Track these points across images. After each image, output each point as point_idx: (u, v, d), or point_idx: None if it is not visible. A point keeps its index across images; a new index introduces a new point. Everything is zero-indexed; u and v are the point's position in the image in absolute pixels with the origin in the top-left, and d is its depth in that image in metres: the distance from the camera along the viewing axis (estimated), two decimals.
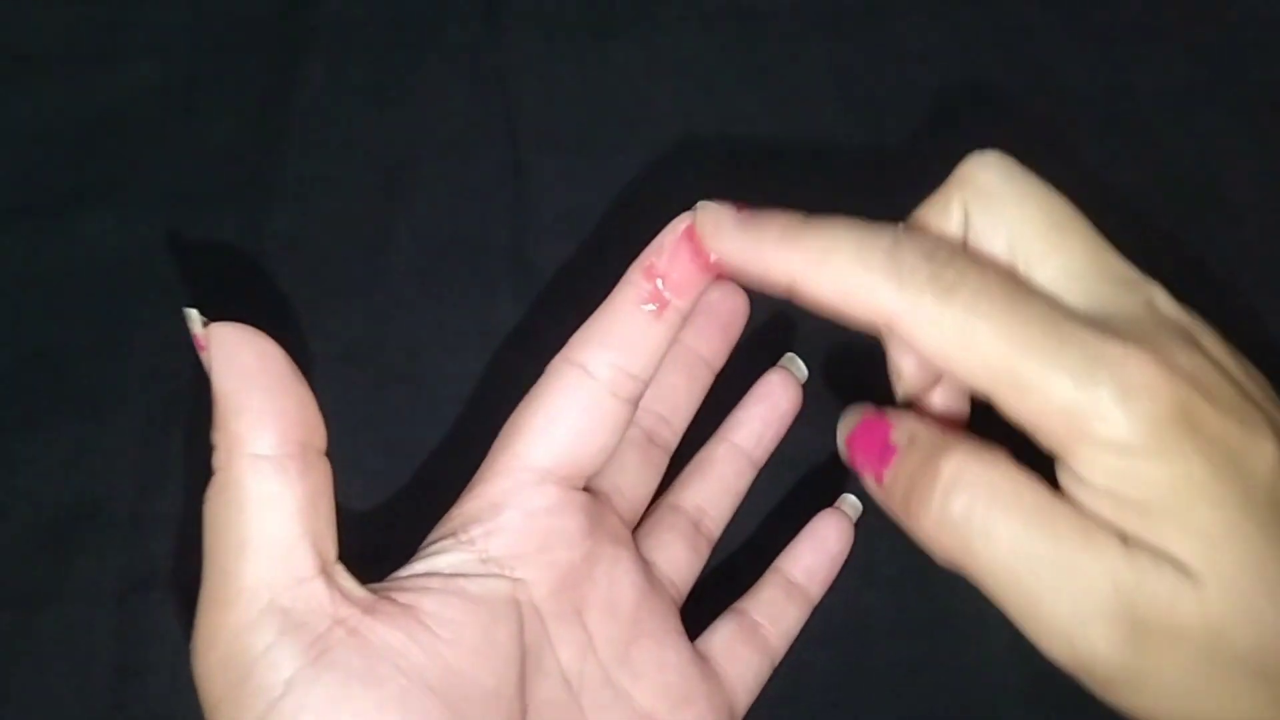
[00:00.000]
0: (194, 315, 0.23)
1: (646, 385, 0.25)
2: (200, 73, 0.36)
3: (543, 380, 0.25)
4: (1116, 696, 0.21)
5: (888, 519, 0.32)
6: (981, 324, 0.21)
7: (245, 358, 0.22)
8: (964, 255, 0.22)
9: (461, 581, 0.24)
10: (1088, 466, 0.20)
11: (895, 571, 0.32)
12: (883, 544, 0.32)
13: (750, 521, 0.32)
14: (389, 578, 0.24)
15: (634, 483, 0.28)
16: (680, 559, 0.28)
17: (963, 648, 0.31)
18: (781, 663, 0.31)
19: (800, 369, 0.30)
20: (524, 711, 0.23)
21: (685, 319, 0.25)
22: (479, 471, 0.25)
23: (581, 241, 0.35)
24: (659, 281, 0.24)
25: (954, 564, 0.22)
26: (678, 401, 0.28)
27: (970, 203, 0.24)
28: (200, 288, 0.33)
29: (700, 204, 0.24)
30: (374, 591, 0.23)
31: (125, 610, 0.30)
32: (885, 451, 0.24)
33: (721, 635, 0.28)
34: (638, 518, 0.28)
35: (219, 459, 0.22)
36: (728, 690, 0.27)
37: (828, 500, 0.31)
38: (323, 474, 0.23)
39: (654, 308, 0.24)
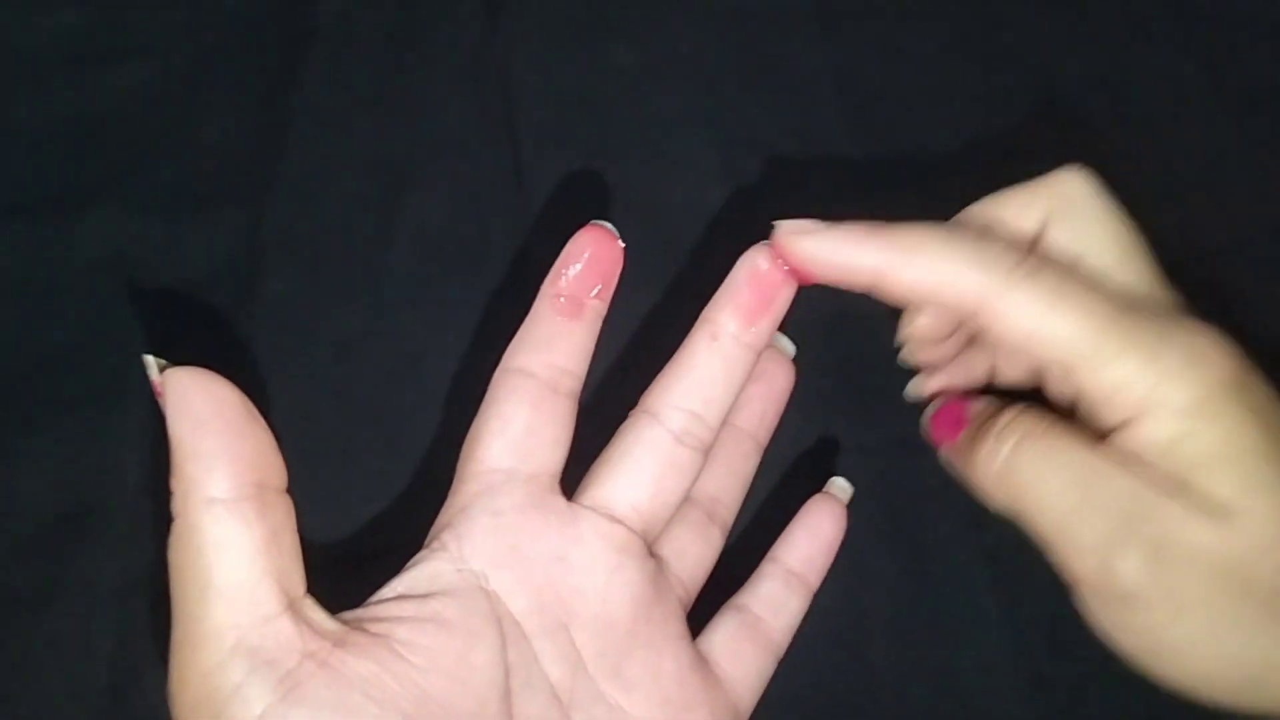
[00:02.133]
0: (151, 362, 0.23)
1: (582, 379, 0.27)
2: (200, 73, 0.36)
3: (490, 391, 0.26)
4: (1134, 622, 0.23)
5: (889, 520, 0.32)
6: (1062, 305, 0.23)
7: (198, 402, 0.22)
8: (1043, 249, 0.25)
9: (436, 605, 0.24)
10: (1151, 430, 0.23)
11: (895, 571, 0.32)
12: (883, 544, 0.32)
13: (742, 510, 0.31)
14: (366, 602, 0.24)
15: (655, 494, 0.26)
16: (691, 553, 0.28)
17: (963, 648, 0.31)
18: (782, 663, 0.31)
19: (788, 345, 0.30)
20: None
21: (602, 317, 0.27)
22: (451, 487, 0.26)
23: None
24: (563, 281, 0.26)
25: (1007, 500, 0.25)
26: (714, 395, 0.27)
27: (1054, 210, 0.26)
28: (200, 288, 0.33)
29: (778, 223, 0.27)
30: (345, 622, 0.23)
31: (125, 610, 0.30)
32: (959, 422, 0.28)
33: (723, 634, 0.28)
34: (659, 527, 0.27)
35: (176, 505, 0.22)
36: (730, 692, 0.27)
37: (816, 485, 0.31)
38: (283, 512, 0.23)
39: (565, 307, 0.26)
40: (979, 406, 0.27)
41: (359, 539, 0.31)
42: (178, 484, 0.22)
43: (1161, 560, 0.22)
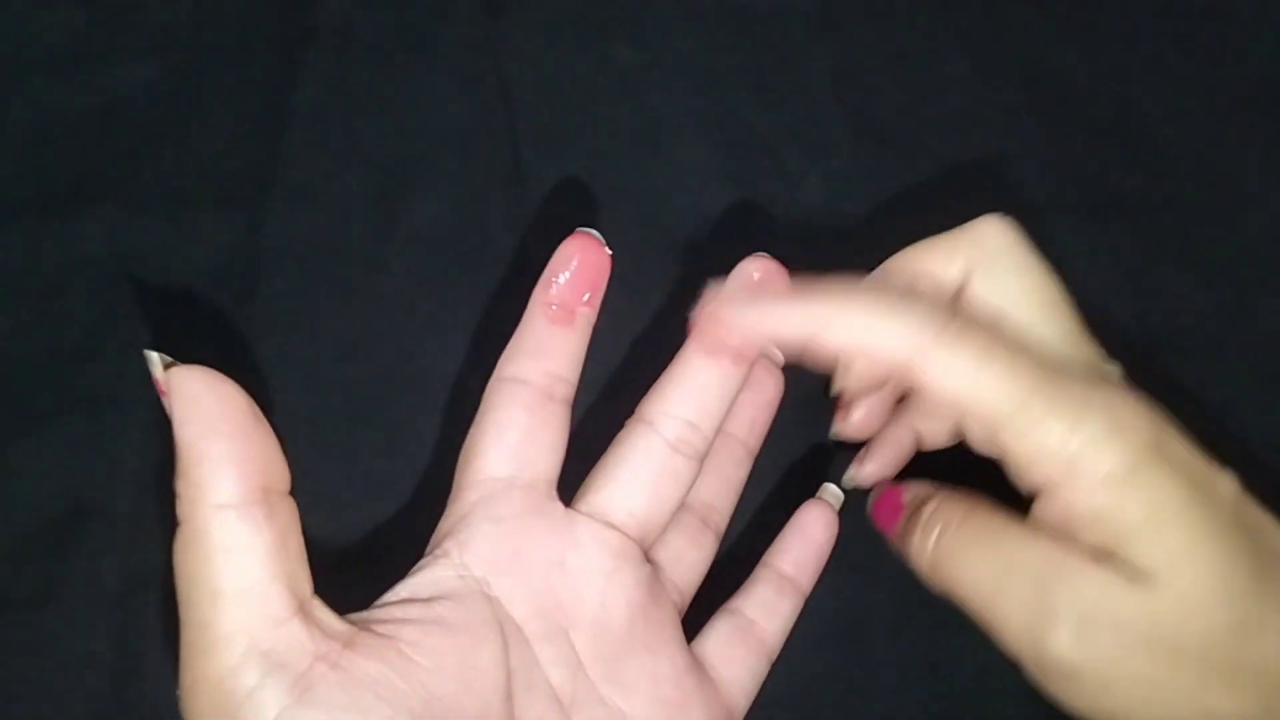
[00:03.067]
0: (154, 358, 0.23)
1: (575, 385, 0.27)
2: (200, 73, 0.36)
3: (485, 400, 0.27)
4: (1076, 693, 0.24)
5: None
6: (989, 369, 0.23)
7: (206, 405, 0.22)
8: (959, 313, 0.24)
9: (440, 609, 0.24)
10: (1074, 497, 0.23)
11: (895, 571, 0.32)
12: (882, 544, 0.32)
13: (738, 515, 0.32)
14: (373, 605, 0.24)
15: (646, 502, 0.27)
16: (686, 558, 0.28)
17: (963, 648, 0.31)
18: (782, 663, 0.30)
19: (777, 353, 0.30)
20: None
21: (593, 323, 0.27)
22: (450, 496, 0.26)
23: None
24: (553, 289, 0.27)
25: (941, 587, 0.26)
26: (707, 404, 0.27)
27: (976, 261, 0.26)
28: (200, 288, 0.33)
29: (709, 291, 0.27)
30: (353, 623, 0.23)
31: (125, 610, 0.30)
32: (896, 510, 0.28)
33: (717, 638, 0.28)
34: (655, 534, 0.27)
35: (183, 509, 0.22)
36: (725, 694, 0.27)
37: (809, 491, 0.31)
38: (288, 515, 0.23)
39: (556, 315, 0.27)
40: (911, 493, 0.28)
41: (359, 539, 0.31)
42: (185, 488, 0.22)
43: (1090, 633, 0.23)
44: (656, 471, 0.27)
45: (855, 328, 0.24)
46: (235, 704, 0.21)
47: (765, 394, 0.30)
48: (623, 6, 0.38)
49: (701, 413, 0.27)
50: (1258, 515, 0.24)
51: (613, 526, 0.26)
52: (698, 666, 0.27)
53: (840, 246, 0.36)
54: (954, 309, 0.25)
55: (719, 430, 0.28)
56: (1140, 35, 0.39)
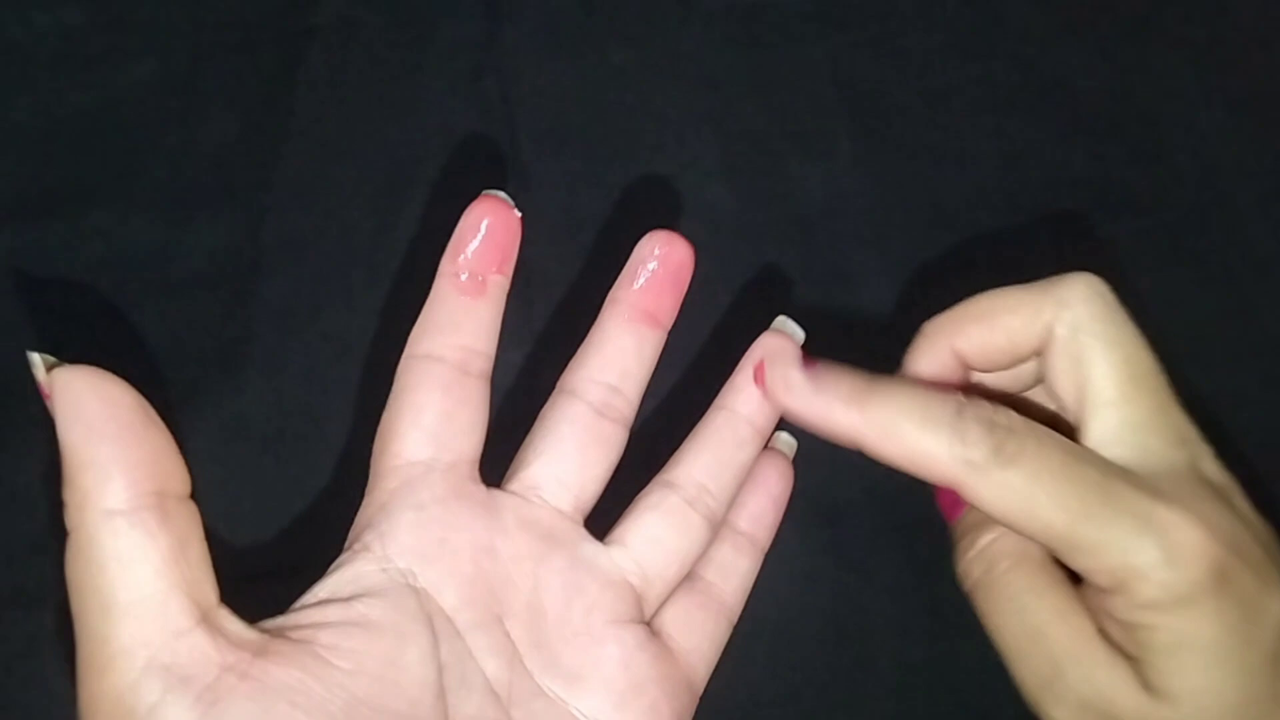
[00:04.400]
0: (36, 360, 0.22)
1: (492, 359, 0.26)
2: (200, 73, 0.36)
3: (398, 380, 0.25)
4: None
5: (889, 521, 0.32)
6: (1041, 493, 0.23)
7: (90, 407, 0.21)
8: (1023, 424, 0.24)
9: (361, 607, 0.23)
10: (1120, 609, 0.23)
11: (895, 571, 0.32)
12: (882, 544, 0.32)
13: None
14: (289, 609, 0.23)
15: (577, 468, 0.26)
16: (664, 542, 0.26)
17: (963, 648, 0.31)
18: (782, 663, 0.31)
19: (795, 329, 0.29)
20: None
21: (506, 291, 0.26)
22: (367, 486, 0.25)
23: (581, 241, 0.35)
24: (462, 258, 0.25)
25: (977, 610, 0.26)
26: (627, 366, 0.27)
27: (1061, 324, 0.25)
28: (200, 288, 0.33)
29: (766, 344, 0.27)
30: (266, 631, 0.22)
31: None
32: (959, 502, 0.28)
33: (674, 605, 0.27)
34: (589, 503, 0.26)
35: (71, 518, 0.21)
36: (684, 665, 0.26)
37: (808, 493, 0.31)
38: (188, 520, 0.22)
39: (466, 285, 0.25)
40: None
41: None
42: (71, 495, 0.21)
43: (1087, 718, 0.24)
44: (584, 437, 0.26)
45: (904, 441, 0.24)
46: None
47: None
48: (623, 6, 0.38)
49: (622, 376, 0.26)
50: None
51: (545, 501, 0.25)
52: (652, 641, 0.26)
53: (840, 247, 0.36)
54: (1009, 412, 0.24)
55: (642, 396, 0.27)
56: (1140, 35, 0.39)
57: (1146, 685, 0.23)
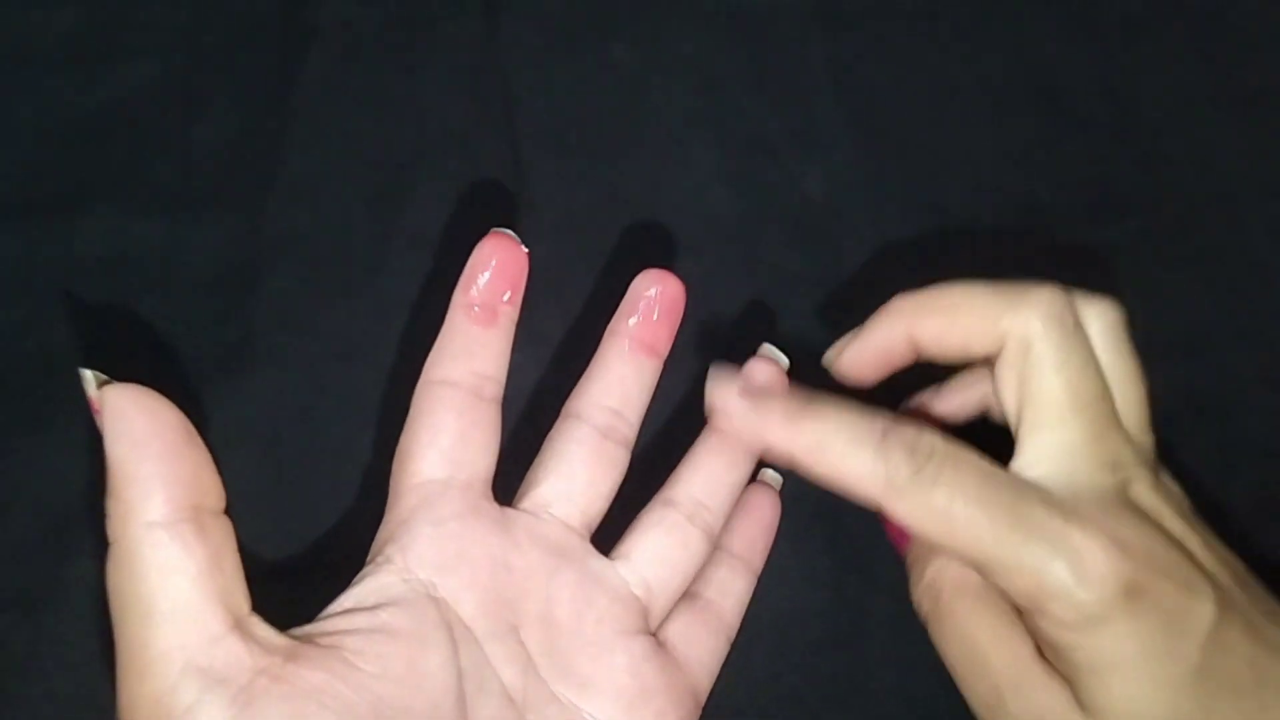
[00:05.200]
0: (89, 376, 0.23)
1: (503, 384, 0.27)
2: (200, 73, 0.36)
3: (415, 404, 0.27)
4: None
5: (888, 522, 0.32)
6: (957, 514, 0.24)
7: (137, 424, 0.22)
8: (944, 447, 0.25)
9: (385, 615, 0.24)
10: (1048, 632, 0.24)
11: (895, 572, 0.32)
12: (882, 545, 0.32)
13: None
14: (315, 618, 0.24)
15: (585, 486, 0.27)
16: (665, 556, 0.28)
17: None
18: (782, 663, 0.31)
19: (780, 357, 0.30)
20: None
21: (515, 322, 0.28)
22: (387, 504, 0.26)
23: (581, 241, 0.35)
24: (474, 290, 0.27)
25: (925, 625, 0.28)
26: (628, 392, 0.28)
27: (1015, 336, 0.26)
28: (200, 288, 0.33)
29: (712, 374, 0.27)
30: (295, 638, 0.23)
31: None
32: (906, 533, 0.29)
33: (678, 620, 0.28)
34: (596, 520, 0.28)
35: (114, 529, 0.22)
36: (688, 675, 0.27)
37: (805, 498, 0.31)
38: (222, 533, 0.23)
39: (479, 316, 0.27)
40: None
41: (360, 538, 0.31)
42: (115, 507, 0.22)
43: None
44: (591, 459, 0.28)
45: (832, 460, 0.25)
46: None
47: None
48: (623, 6, 0.38)
49: (624, 402, 0.28)
50: (1236, 634, 0.24)
51: (554, 518, 0.27)
52: (658, 652, 0.27)
53: (840, 246, 0.36)
54: (934, 433, 0.25)
55: (642, 420, 0.29)
56: (1140, 35, 0.39)
57: (1081, 705, 0.24)
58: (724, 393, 0.27)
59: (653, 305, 0.29)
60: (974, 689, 0.26)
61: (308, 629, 0.24)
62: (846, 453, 0.25)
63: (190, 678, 0.21)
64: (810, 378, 0.33)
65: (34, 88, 0.36)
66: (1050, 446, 0.26)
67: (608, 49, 0.38)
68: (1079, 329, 0.26)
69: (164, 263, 0.34)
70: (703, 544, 0.28)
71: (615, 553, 0.28)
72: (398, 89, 0.36)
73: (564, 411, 0.28)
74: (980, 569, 0.25)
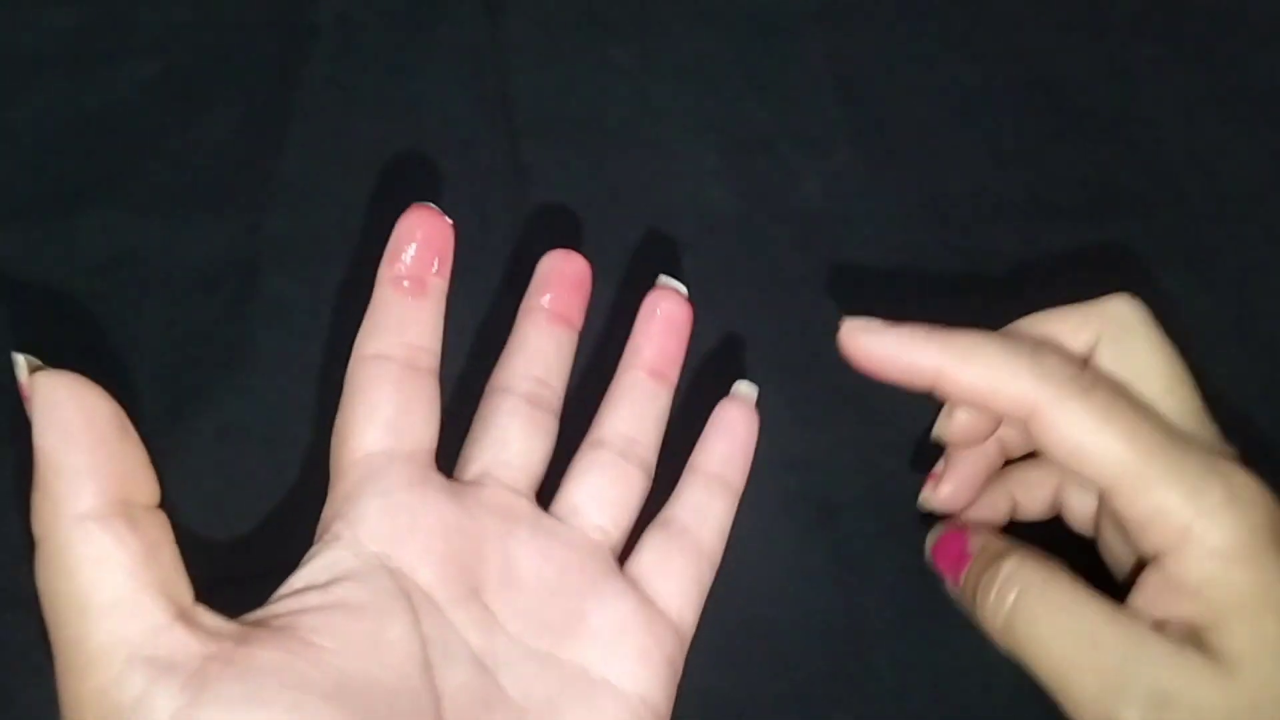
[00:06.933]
0: (20, 361, 0.22)
1: (439, 355, 0.27)
2: (200, 73, 0.36)
3: (350, 380, 0.26)
4: None
5: (890, 523, 0.32)
6: (1113, 425, 0.24)
7: (68, 413, 0.21)
8: (1094, 371, 0.25)
9: (340, 591, 0.23)
10: (1185, 568, 0.23)
11: (895, 572, 0.32)
12: (882, 544, 0.32)
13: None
14: (266, 601, 0.23)
15: (522, 451, 0.28)
16: (607, 494, 0.28)
17: (963, 648, 0.31)
18: (782, 663, 0.30)
19: (676, 283, 0.30)
20: (437, 701, 0.23)
21: (446, 293, 0.27)
22: (330, 483, 0.26)
23: (581, 241, 0.35)
24: (401, 265, 0.27)
25: (1010, 648, 0.26)
26: (549, 363, 0.29)
27: (1106, 334, 0.26)
28: (200, 288, 0.33)
29: (845, 318, 0.27)
30: (246, 623, 0.22)
31: None
32: (962, 558, 0.28)
33: (650, 553, 0.28)
34: (536, 482, 0.28)
35: (41, 524, 0.21)
36: (666, 609, 0.27)
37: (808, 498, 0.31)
38: (158, 528, 0.22)
39: (409, 288, 0.27)
40: (980, 542, 0.28)
41: None
42: (43, 501, 0.21)
43: (1162, 715, 0.23)
44: (525, 426, 0.28)
45: (988, 366, 0.25)
46: (124, 714, 0.20)
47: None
48: (623, 6, 0.38)
49: (548, 371, 0.29)
50: None
51: (499, 483, 0.27)
52: (631, 591, 0.27)
53: (840, 247, 0.36)
54: (1084, 364, 0.25)
55: (565, 389, 0.29)
56: (1140, 35, 0.39)
57: (1216, 659, 0.23)
58: (860, 319, 0.27)
59: (565, 279, 0.29)
60: (1081, 685, 0.24)
61: (259, 614, 0.23)
62: (1003, 362, 0.25)
63: (136, 668, 0.20)
64: (814, 380, 0.33)
65: (34, 88, 0.36)
66: (1170, 411, 0.26)
67: (608, 49, 0.38)
68: (1158, 325, 0.27)
69: (164, 263, 0.33)
70: (641, 479, 0.28)
71: (558, 505, 0.28)
72: (398, 89, 0.36)
73: (489, 387, 0.29)
74: (1125, 487, 0.24)
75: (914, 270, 0.35)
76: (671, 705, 0.26)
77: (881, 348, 0.26)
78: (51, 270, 0.33)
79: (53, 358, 0.32)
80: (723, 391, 0.30)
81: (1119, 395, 0.25)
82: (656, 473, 0.29)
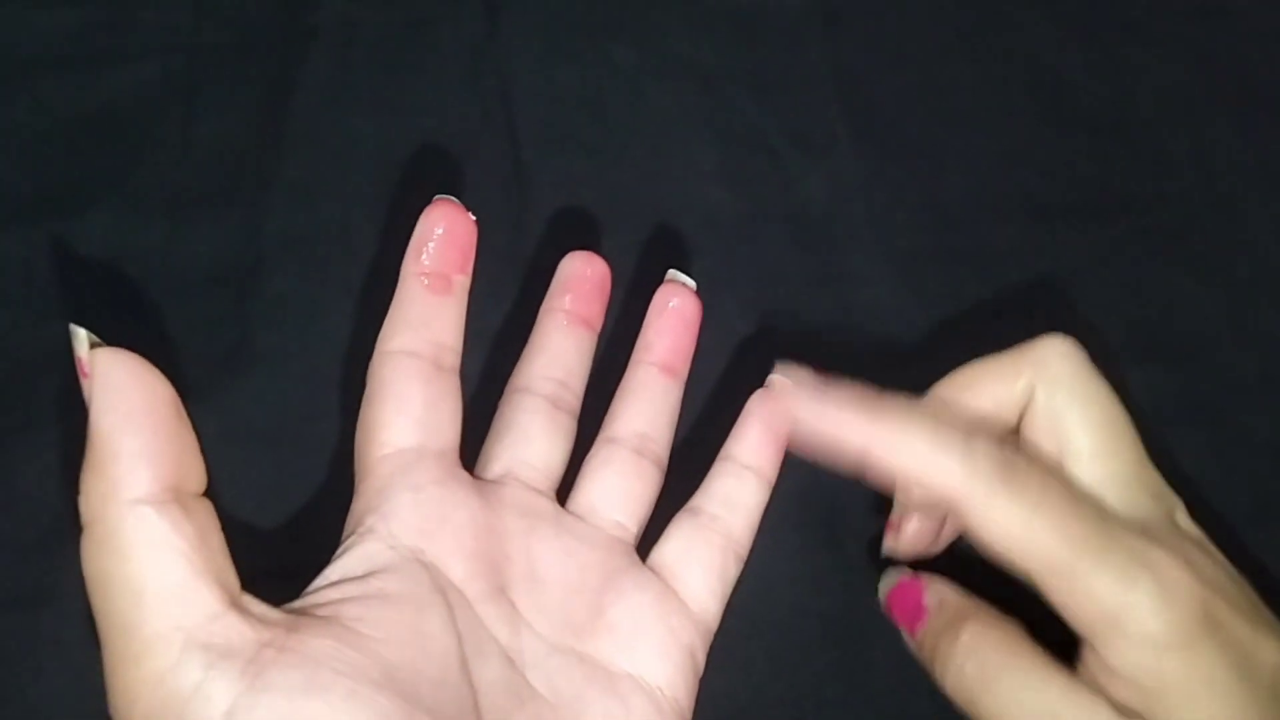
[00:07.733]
0: (81, 334, 0.21)
1: (460, 354, 0.27)
2: (200, 73, 0.36)
3: (375, 376, 0.26)
4: None
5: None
6: (1041, 520, 0.24)
7: (129, 395, 0.21)
8: (1026, 457, 0.25)
9: (378, 582, 0.23)
10: (1117, 656, 0.23)
11: (895, 572, 0.32)
12: (882, 545, 0.32)
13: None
14: (304, 593, 0.23)
15: (543, 451, 0.28)
16: (624, 491, 0.28)
17: None
18: (782, 663, 0.30)
19: (686, 278, 0.31)
20: (474, 693, 0.23)
21: (468, 290, 0.27)
22: (356, 479, 0.26)
23: (581, 241, 0.35)
24: (424, 259, 0.27)
25: (964, 707, 0.26)
26: (570, 365, 0.29)
27: (1040, 385, 0.26)
28: (200, 288, 0.33)
29: (778, 372, 0.28)
30: (290, 612, 0.22)
31: None
32: (918, 611, 0.28)
33: (676, 542, 0.28)
34: (556, 482, 0.28)
35: (92, 507, 0.21)
36: (689, 600, 0.27)
37: (807, 496, 0.31)
38: (206, 516, 0.22)
39: (432, 285, 0.27)
40: (936, 596, 0.28)
41: None
42: (96, 483, 0.21)
43: None
44: (546, 426, 0.28)
45: (915, 455, 0.25)
46: (180, 702, 0.20)
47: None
48: (623, 6, 0.38)
49: (568, 373, 0.29)
50: None
51: (520, 482, 0.27)
52: (653, 583, 0.27)
53: (840, 247, 0.36)
54: (1014, 446, 0.25)
55: (584, 391, 0.29)
56: (1140, 35, 0.39)
57: None
58: (792, 387, 0.27)
59: (585, 281, 0.29)
60: None
61: (300, 603, 0.23)
62: (930, 452, 0.24)
63: (193, 654, 0.20)
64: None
65: (34, 88, 0.36)
66: (1100, 478, 0.25)
67: (608, 49, 0.38)
68: (1093, 367, 0.26)
69: (164, 263, 0.33)
70: (655, 474, 0.29)
71: (575, 502, 0.28)
72: (398, 89, 0.36)
73: (510, 387, 0.29)
74: (1055, 581, 0.24)
75: (913, 270, 0.35)
76: (694, 695, 0.26)
77: (808, 416, 0.26)
78: (50, 271, 0.33)
79: (53, 357, 0.32)
80: (723, 391, 0.30)
81: (1049, 481, 0.24)
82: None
